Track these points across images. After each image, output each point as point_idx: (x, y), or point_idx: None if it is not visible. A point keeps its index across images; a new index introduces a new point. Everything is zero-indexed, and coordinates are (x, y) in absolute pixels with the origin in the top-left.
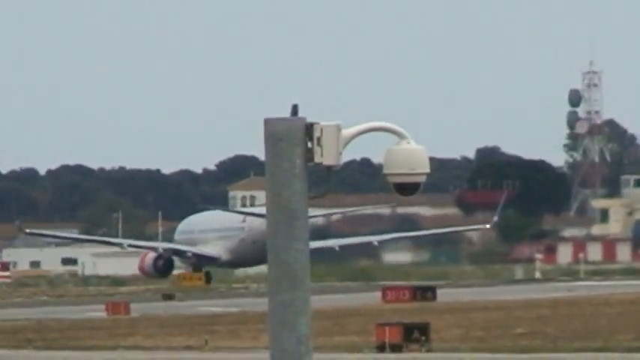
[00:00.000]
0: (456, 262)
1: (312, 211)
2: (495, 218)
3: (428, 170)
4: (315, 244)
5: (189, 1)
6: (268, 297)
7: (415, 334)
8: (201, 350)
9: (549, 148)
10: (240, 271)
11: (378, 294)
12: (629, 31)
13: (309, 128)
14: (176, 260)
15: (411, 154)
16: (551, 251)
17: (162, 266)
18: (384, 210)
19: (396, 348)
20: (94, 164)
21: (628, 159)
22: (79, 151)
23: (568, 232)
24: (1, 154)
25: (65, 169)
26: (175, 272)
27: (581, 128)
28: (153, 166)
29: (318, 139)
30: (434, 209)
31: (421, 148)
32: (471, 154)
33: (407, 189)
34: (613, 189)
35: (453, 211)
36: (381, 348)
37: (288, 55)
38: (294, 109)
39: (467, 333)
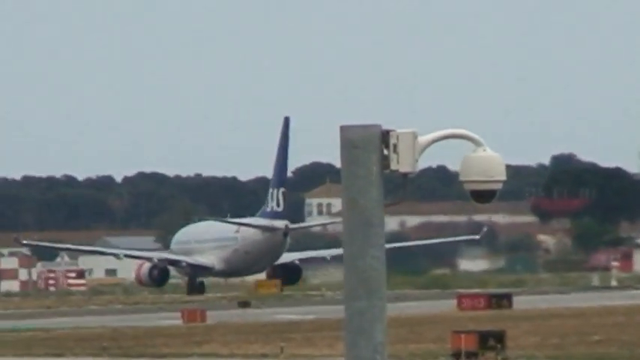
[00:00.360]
0: (532, 270)
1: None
2: (485, 229)
3: (504, 177)
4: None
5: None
6: (344, 304)
7: (491, 341)
8: (277, 358)
9: (626, 155)
10: (316, 278)
11: (454, 302)
12: None
13: (385, 135)
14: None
15: (487, 162)
16: (627, 259)
17: (158, 276)
18: (460, 217)
19: (471, 355)
20: (170, 172)
21: None
22: (155, 158)
23: None
24: (78, 162)
25: (141, 176)
26: (171, 281)
27: None
28: (229, 173)
29: (395, 146)
30: (510, 217)
31: (497, 156)
32: (546, 161)
33: (483, 196)
34: None
35: (528, 218)
36: (456, 355)
37: (361, 63)
38: (286, 122)
39: (543, 340)
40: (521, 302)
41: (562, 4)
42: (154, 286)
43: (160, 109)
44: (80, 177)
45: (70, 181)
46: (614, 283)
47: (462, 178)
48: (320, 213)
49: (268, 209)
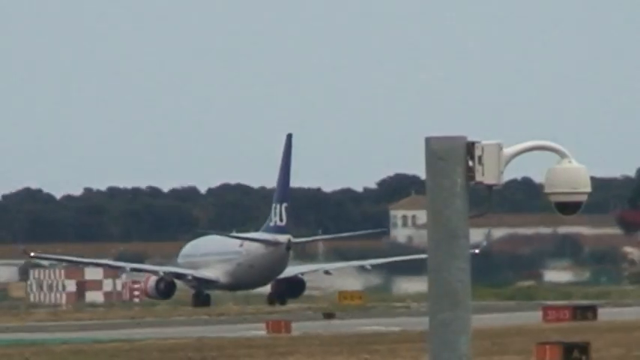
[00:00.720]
0: (617, 282)
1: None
2: (485, 243)
3: (589, 189)
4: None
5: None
6: (429, 316)
7: (575, 353)
8: None
9: None
10: (401, 290)
11: (539, 313)
12: None
13: (470, 147)
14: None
15: (573, 174)
16: None
17: (164, 289)
18: (546, 230)
19: None
20: (255, 183)
21: None
22: (240, 169)
23: None
24: (163, 173)
25: (225, 187)
26: (177, 293)
27: None
28: (314, 185)
29: (479, 157)
30: (594, 229)
31: (582, 167)
32: (631, 173)
33: (568, 208)
34: None
35: (613, 230)
36: None
37: (443, 73)
38: (289, 139)
39: (627, 352)
40: (606, 314)
41: None
42: (160, 298)
43: (246, 120)
44: (165, 188)
45: (154, 192)
46: None
47: (547, 190)
48: (405, 225)
49: (272, 224)
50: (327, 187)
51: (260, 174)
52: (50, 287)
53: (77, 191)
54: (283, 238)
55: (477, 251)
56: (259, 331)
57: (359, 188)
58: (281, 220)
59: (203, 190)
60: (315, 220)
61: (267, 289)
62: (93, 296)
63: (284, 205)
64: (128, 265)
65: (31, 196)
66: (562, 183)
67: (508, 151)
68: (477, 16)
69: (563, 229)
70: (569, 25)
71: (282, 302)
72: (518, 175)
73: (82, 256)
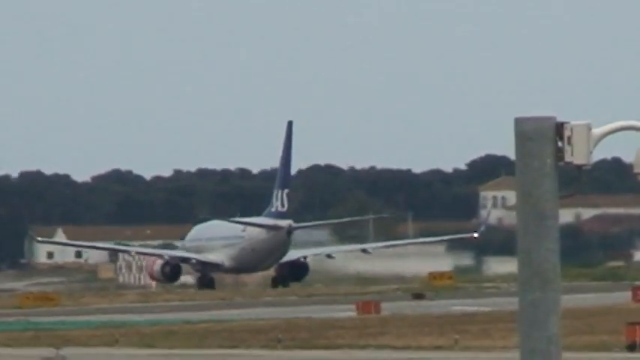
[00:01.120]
0: None
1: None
2: (483, 228)
3: None
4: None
5: None
6: (519, 296)
7: None
8: (451, 350)
9: None
10: (490, 271)
11: (629, 293)
12: None
13: (560, 127)
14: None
15: None
16: None
17: (170, 272)
18: (636, 210)
19: None
20: (344, 164)
21: None
22: (330, 150)
23: None
24: (253, 155)
25: (316, 168)
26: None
27: None
28: (403, 166)
29: (569, 138)
30: None
31: None
32: None
33: None
34: None
35: None
36: (631, 347)
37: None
38: (289, 126)
39: None
40: None
41: None
42: (165, 282)
43: (337, 102)
44: (254, 170)
45: (244, 173)
46: None
47: (636, 169)
48: (495, 206)
49: (273, 209)
50: (417, 168)
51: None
52: (139, 268)
53: (167, 172)
54: (284, 223)
55: (475, 235)
56: (349, 312)
57: (448, 169)
58: (282, 205)
59: (293, 171)
60: (405, 201)
61: (271, 272)
62: (183, 278)
63: (285, 191)
64: (133, 249)
65: (120, 178)
66: None
67: (597, 131)
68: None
69: None
70: None
71: (285, 285)
72: (608, 155)
73: (171, 238)
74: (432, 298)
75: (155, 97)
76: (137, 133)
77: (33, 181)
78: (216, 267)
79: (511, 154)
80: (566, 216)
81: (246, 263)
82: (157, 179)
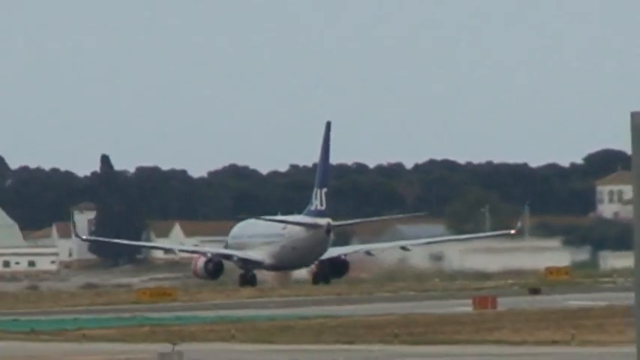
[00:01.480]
0: None
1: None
2: (519, 224)
3: None
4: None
5: None
6: (635, 291)
7: None
8: (568, 344)
9: None
10: (607, 265)
11: None
12: None
13: None
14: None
15: None
16: None
17: (213, 269)
18: None
19: None
20: (462, 158)
21: None
22: (447, 145)
23: None
24: (369, 149)
25: (432, 163)
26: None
27: None
28: (520, 160)
29: None
30: None
31: None
32: None
33: None
34: None
35: None
36: None
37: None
38: (328, 126)
39: None
40: None
41: None
42: (209, 278)
43: (452, 98)
44: (371, 164)
45: (360, 168)
46: None
47: None
48: (611, 201)
49: (312, 208)
50: (533, 163)
51: (467, 149)
52: None
53: (283, 167)
54: (323, 221)
55: (512, 232)
56: (466, 307)
57: (565, 163)
58: (321, 204)
59: (409, 165)
60: (522, 196)
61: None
62: (299, 273)
63: (324, 190)
64: (177, 247)
65: (236, 173)
66: None
67: None
68: None
69: None
70: None
71: (326, 282)
72: None
73: None
74: (548, 293)
75: (272, 94)
76: (254, 128)
77: (150, 177)
78: (257, 264)
79: (628, 149)
80: None
81: (286, 261)
82: (274, 174)
